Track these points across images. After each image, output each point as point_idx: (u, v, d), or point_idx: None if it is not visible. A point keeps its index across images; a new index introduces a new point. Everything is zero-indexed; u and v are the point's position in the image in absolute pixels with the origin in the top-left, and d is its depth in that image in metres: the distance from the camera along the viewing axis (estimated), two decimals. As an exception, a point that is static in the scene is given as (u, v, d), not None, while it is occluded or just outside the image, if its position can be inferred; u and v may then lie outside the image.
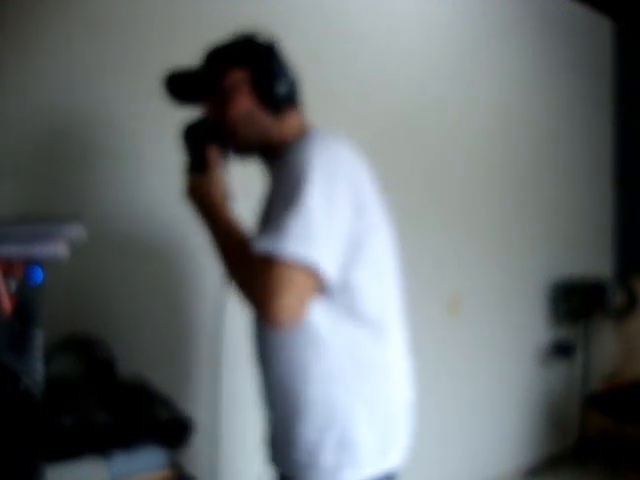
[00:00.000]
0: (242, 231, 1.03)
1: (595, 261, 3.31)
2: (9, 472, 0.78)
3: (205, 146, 1.08)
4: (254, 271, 0.93)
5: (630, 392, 3.06)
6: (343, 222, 0.95)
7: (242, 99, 1.06)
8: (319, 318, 0.99)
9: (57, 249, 0.82)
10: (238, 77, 1.06)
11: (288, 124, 1.09)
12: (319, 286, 0.95)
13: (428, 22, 2.44)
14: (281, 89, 1.05)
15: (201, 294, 1.74)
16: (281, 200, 0.95)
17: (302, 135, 1.06)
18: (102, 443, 1.07)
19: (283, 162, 0.99)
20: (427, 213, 2.42)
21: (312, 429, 1.01)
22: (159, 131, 1.62)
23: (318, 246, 0.91)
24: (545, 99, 2.97)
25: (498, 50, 2.72)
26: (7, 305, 0.83)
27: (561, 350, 2.99)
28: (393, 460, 1.05)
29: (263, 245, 0.92)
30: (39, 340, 0.90)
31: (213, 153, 1.08)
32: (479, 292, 2.63)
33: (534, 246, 2.90)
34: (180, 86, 1.11)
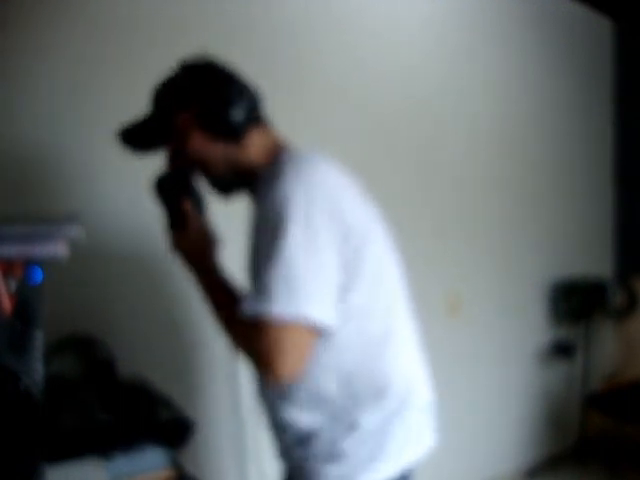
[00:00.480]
0: (230, 288, 1.04)
1: (595, 261, 3.31)
2: (9, 472, 0.77)
3: (180, 200, 1.05)
4: (248, 336, 0.93)
5: (630, 392, 3.06)
6: (329, 257, 0.91)
7: (195, 142, 1.02)
8: (327, 356, 0.98)
9: (57, 249, 0.81)
10: (185, 120, 1.02)
11: (254, 146, 1.04)
12: (319, 334, 0.93)
13: (426, 21, 2.44)
14: (232, 116, 1.00)
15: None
16: (263, 249, 0.92)
17: (274, 157, 1.02)
18: (102, 443, 1.07)
19: (260, 197, 0.97)
20: (425, 213, 2.42)
21: (328, 440, 1.00)
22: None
23: (306, 299, 0.88)
24: (545, 99, 2.97)
25: (497, 49, 2.72)
26: (7, 305, 0.82)
27: (561, 350, 2.99)
28: (407, 462, 1.04)
29: (251, 308, 0.90)
30: (39, 340, 0.90)
31: (189, 206, 1.06)
32: (479, 292, 2.62)
33: (534, 246, 2.90)
34: (135, 138, 1.09)
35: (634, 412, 2.86)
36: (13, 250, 0.81)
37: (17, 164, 1.43)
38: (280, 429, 1.07)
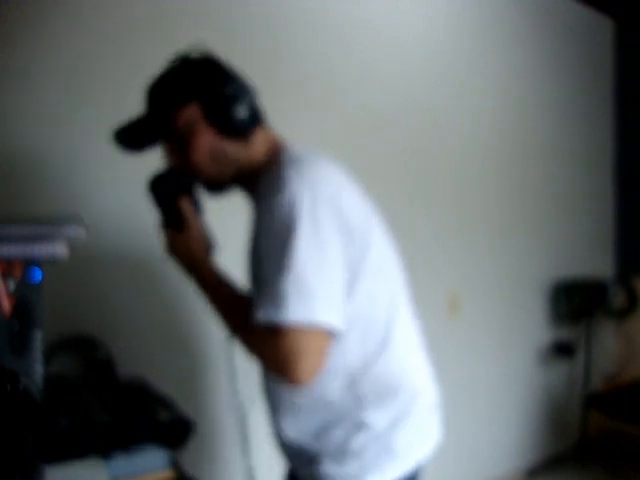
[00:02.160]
0: (233, 290, 1.02)
1: (596, 261, 3.30)
2: (9, 472, 0.77)
3: (177, 199, 1.02)
4: (263, 344, 0.92)
5: (631, 392, 3.06)
6: (336, 260, 0.91)
7: (202, 137, 0.98)
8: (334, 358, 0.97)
9: (56, 249, 0.81)
10: (191, 115, 0.98)
11: (257, 145, 1.02)
12: (332, 338, 0.93)
13: (427, 21, 2.43)
14: (240, 113, 0.97)
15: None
16: (269, 257, 0.91)
17: (275, 155, 1.01)
18: (102, 444, 1.07)
19: (261, 198, 0.96)
20: (425, 213, 2.42)
21: (333, 440, 1.00)
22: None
23: (320, 305, 0.88)
24: (545, 98, 2.97)
25: (497, 50, 2.72)
26: (6, 305, 0.82)
27: (562, 350, 2.99)
28: (415, 460, 1.04)
29: (265, 316, 0.89)
30: (38, 340, 0.90)
31: (186, 205, 1.03)
32: (479, 292, 2.62)
33: (534, 246, 2.89)
34: (132, 139, 1.05)
35: (635, 412, 2.86)
36: (12, 250, 0.81)
37: (17, 164, 1.43)
38: (287, 432, 1.06)
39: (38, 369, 0.90)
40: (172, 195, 1.02)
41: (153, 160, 1.66)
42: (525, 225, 2.85)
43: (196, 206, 1.06)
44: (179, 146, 1.01)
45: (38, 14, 1.44)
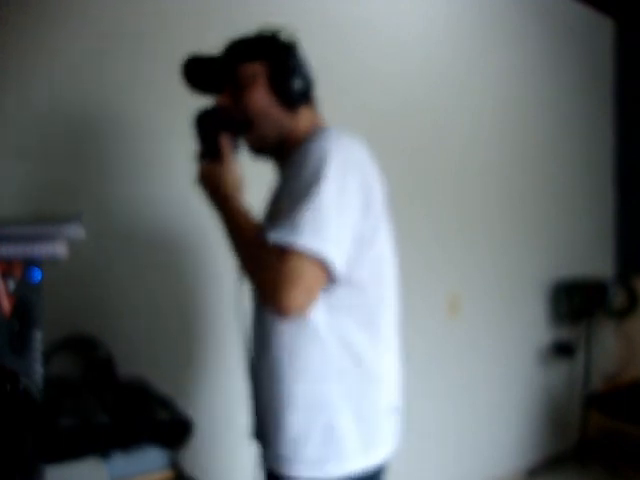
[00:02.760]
0: (254, 221, 1.03)
1: (596, 261, 3.30)
2: (9, 472, 0.77)
3: (218, 134, 1.08)
4: (267, 261, 0.94)
5: (631, 392, 3.06)
6: (352, 219, 0.96)
7: (258, 92, 1.07)
8: (319, 312, 1.00)
9: (56, 249, 0.81)
10: (256, 70, 1.08)
11: (302, 121, 1.11)
12: (327, 280, 0.96)
13: (428, 21, 2.44)
14: (297, 85, 1.07)
15: (203, 293, 1.73)
16: (296, 192, 0.95)
17: (316, 132, 1.06)
18: (101, 444, 1.07)
19: (297, 156, 1.00)
20: (425, 213, 2.42)
21: (297, 421, 1.02)
22: (161, 128, 1.62)
23: (331, 241, 0.92)
24: (545, 98, 2.97)
25: (498, 49, 2.72)
26: (6, 305, 0.82)
27: (562, 350, 2.99)
28: (378, 458, 1.05)
29: (277, 236, 0.93)
30: (38, 340, 0.90)
31: (226, 142, 1.08)
32: (479, 293, 2.62)
33: (534, 245, 2.90)
34: (198, 71, 1.12)
35: (635, 412, 2.86)
36: (12, 250, 0.81)
37: (16, 164, 1.43)
38: (272, 410, 1.07)
39: (38, 369, 0.90)
40: (215, 129, 1.08)
41: (154, 160, 1.67)
42: (525, 225, 2.85)
43: (234, 146, 1.11)
44: (235, 93, 1.09)
45: (40, 11, 1.44)
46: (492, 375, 2.70)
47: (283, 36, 1.11)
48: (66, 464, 1.02)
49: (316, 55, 2.05)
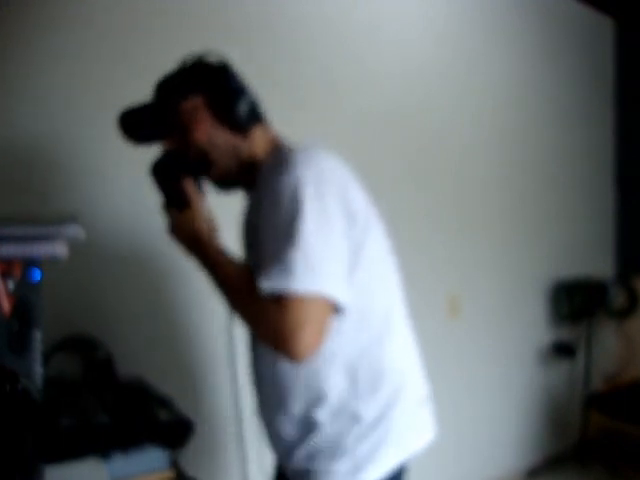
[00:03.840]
0: (238, 265, 1.01)
1: (596, 261, 3.30)
2: (9, 472, 0.77)
3: (180, 179, 1.04)
4: (267, 313, 0.91)
5: (631, 392, 3.06)
6: (341, 239, 0.93)
7: (203, 126, 1.03)
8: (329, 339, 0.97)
9: (56, 249, 0.81)
10: (194, 104, 1.03)
11: (257, 141, 1.07)
12: (335, 312, 0.94)
13: (428, 20, 2.43)
14: (241, 107, 1.03)
15: (202, 293, 1.73)
16: (275, 229, 0.92)
17: (275, 150, 1.04)
18: (101, 444, 1.07)
19: (266, 182, 0.97)
20: (426, 213, 2.41)
21: (326, 434, 1.01)
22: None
23: (327, 276, 0.89)
24: (545, 97, 2.97)
25: (498, 49, 2.72)
26: (6, 305, 0.82)
27: (562, 350, 2.99)
28: (407, 454, 1.05)
29: (271, 284, 0.89)
30: (38, 340, 0.90)
31: (189, 186, 1.04)
32: (479, 293, 2.62)
33: (535, 246, 2.89)
34: (135, 123, 1.07)
35: (635, 412, 2.86)
36: (12, 250, 0.81)
37: (16, 164, 1.43)
38: (280, 428, 1.07)
39: (38, 369, 0.90)
40: (175, 175, 1.04)
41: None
42: (525, 225, 2.84)
43: (198, 187, 1.07)
44: (181, 133, 1.05)
45: (39, 12, 1.44)
46: (492, 375, 2.70)
47: (211, 59, 1.06)
48: (66, 464, 1.02)
49: (316, 57, 2.07)
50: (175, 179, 1.04)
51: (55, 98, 1.48)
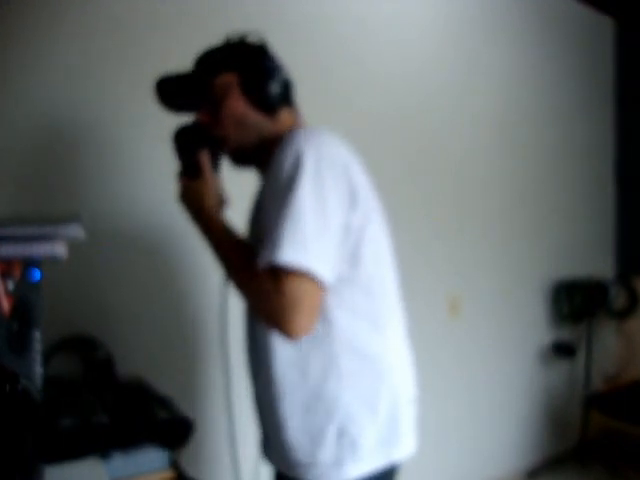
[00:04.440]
0: (238, 238, 1.03)
1: (596, 261, 3.30)
2: (9, 472, 0.77)
3: (197, 151, 1.07)
4: (262, 290, 0.93)
5: (631, 392, 3.06)
6: (336, 218, 0.94)
7: (233, 102, 1.06)
8: (326, 317, 0.98)
9: (55, 249, 0.81)
10: (228, 80, 1.06)
11: (282, 123, 1.09)
12: (324, 290, 0.95)
13: (427, 19, 2.43)
14: (272, 89, 1.06)
15: (202, 293, 1.73)
16: (274, 203, 0.94)
17: (292, 133, 1.05)
18: (101, 444, 1.07)
19: (273, 159, 0.99)
20: (426, 213, 2.41)
21: (310, 425, 1.01)
22: (158, 129, 1.62)
23: (312, 251, 0.90)
24: (545, 98, 2.97)
25: (498, 49, 2.72)
26: (6, 305, 0.82)
27: (562, 350, 2.99)
28: (396, 455, 1.05)
29: (265, 257, 0.91)
30: (38, 340, 0.90)
31: (205, 158, 1.08)
32: (479, 292, 2.62)
33: (535, 246, 2.89)
34: (170, 91, 1.11)
35: (635, 412, 2.86)
36: (11, 250, 0.81)
37: (16, 164, 1.43)
38: (279, 428, 1.06)
39: (37, 369, 0.90)
40: (193, 146, 1.07)
41: (152, 160, 1.67)
42: (526, 225, 2.84)
43: (215, 162, 1.10)
44: (211, 107, 1.08)
45: (45, 6, 1.45)
46: (492, 375, 2.70)
47: (251, 40, 1.10)
48: (66, 464, 1.02)
49: (316, 58, 2.07)
50: (193, 149, 1.07)
51: (55, 98, 1.48)
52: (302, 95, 2.00)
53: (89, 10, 1.53)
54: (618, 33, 3.41)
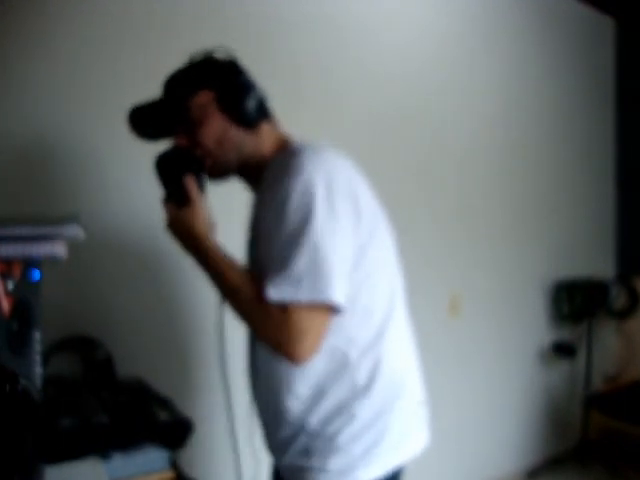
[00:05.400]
0: (235, 265, 1.01)
1: (597, 261, 3.30)
2: (9, 472, 0.77)
3: (182, 177, 1.04)
4: (270, 319, 0.92)
5: (631, 392, 3.06)
6: (348, 239, 0.94)
7: (212, 121, 1.04)
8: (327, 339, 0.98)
9: (55, 249, 0.82)
10: (204, 99, 1.04)
11: (264, 138, 1.08)
12: (333, 316, 0.95)
13: (427, 19, 2.43)
14: (250, 103, 1.04)
15: (201, 293, 1.73)
16: (284, 234, 0.92)
17: (282, 148, 1.05)
18: (101, 444, 1.07)
19: (274, 179, 0.97)
20: (426, 213, 2.41)
21: (321, 431, 1.01)
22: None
23: (333, 285, 0.90)
24: (546, 98, 2.97)
25: (498, 49, 2.72)
26: (5, 305, 0.83)
27: (562, 350, 2.99)
28: (405, 456, 1.05)
29: (279, 294, 0.90)
30: (37, 340, 0.90)
31: (192, 183, 1.05)
32: (480, 292, 2.62)
33: (536, 246, 2.89)
34: (145, 121, 1.09)
35: (635, 412, 2.86)
36: (11, 250, 0.81)
37: (16, 164, 1.43)
38: (277, 425, 1.07)
39: (37, 369, 0.91)
40: (178, 171, 1.05)
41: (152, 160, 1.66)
42: (526, 225, 2.84)
43: (200, 186, 1.08)
44: (190, 129, 1.06)
45: (42, 4, 1.44)
46: (493, 375, 2.69)
47: (220, 56, 1.08)
48: (66, 464, 1.02)
49: (316, 58, 2.06)
50: (178, 175, 1.05)
51: (55, 98, 1.48)
52: (302, 95, 2.01)
53: (88, 10, 1.53)
54: (618, 33, 3.41)
